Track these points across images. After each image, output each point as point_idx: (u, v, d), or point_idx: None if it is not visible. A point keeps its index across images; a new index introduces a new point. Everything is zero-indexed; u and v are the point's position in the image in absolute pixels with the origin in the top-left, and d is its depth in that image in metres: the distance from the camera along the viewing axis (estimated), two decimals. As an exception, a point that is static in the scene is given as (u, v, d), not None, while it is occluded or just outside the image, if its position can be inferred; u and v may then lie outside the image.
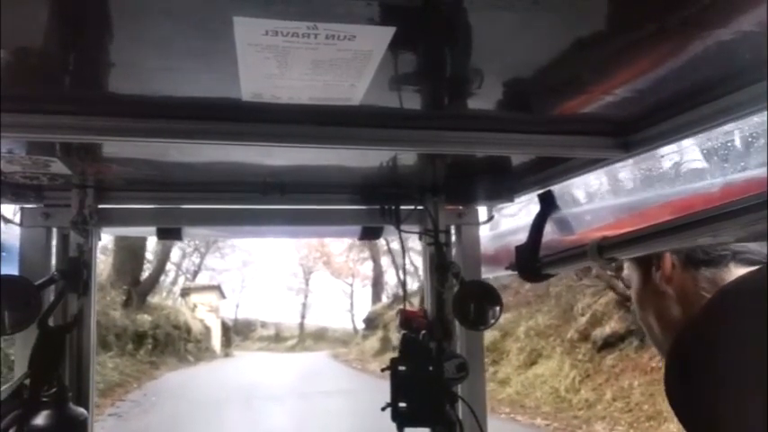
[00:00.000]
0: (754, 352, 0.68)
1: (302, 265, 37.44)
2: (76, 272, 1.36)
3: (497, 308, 1.42)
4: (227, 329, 30.16)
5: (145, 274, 19.00)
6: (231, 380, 15.37)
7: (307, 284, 39.26)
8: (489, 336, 11.36)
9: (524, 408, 9.28)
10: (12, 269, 1.36)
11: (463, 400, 1.49)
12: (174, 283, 29.34)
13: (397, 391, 1.44)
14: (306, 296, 39.65)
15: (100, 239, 1.48)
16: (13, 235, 1.41)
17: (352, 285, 35.57)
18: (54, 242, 1.43)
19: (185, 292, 28.06)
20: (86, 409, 1.34)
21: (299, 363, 21.89)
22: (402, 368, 1.45)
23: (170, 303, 22.72)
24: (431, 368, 1.44)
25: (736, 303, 0.77)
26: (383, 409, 1.44)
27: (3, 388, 1.21)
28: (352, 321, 33.42)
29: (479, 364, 1.55)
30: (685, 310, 0.90)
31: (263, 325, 42.12)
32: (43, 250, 1.40)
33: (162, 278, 25.53)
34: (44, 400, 1.24)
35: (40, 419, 1.21)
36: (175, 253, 28.21)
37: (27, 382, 1.23)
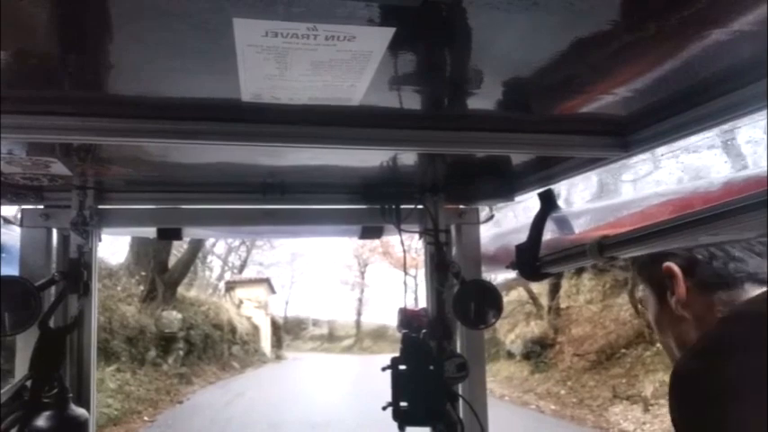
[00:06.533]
0: (759, 373, 0.66)
1: (357, 256, 32.42)
2: (77, 273, 1.36)
3: (497, 307, 1.42)
4: (277, 328, 26.61)
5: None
6: (288, 401, 10.90)
7: (362, 278, 34.47)
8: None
9: None
10: (12, 270, 1.36)
11: (464, 400, 1.49)
12: (219, 278, 25.96)
13: (398, 390, 1.44)
14: (362, 291, 34.97)
15: (100, 240, 1.48)
16: (13, 236, 1.41)
17: (415, 278, 31.55)
18: (54, 243, 1.43)
19: (230, 287, 24.50)
20: (87, 410, 1.34)
21: (368, 370, 14.32)
22: (403, 367, 1.45)
23: (214, 299, 18.86)
24: (431, 367, 1.44)
25: (742, 324, 0.75)
26: (384, 408, 1.44)
27: (4, 390, 1.21)
28: (417, 318, 30.68)
29: (480, 363, 1.55)
30: None
31: (315, 323, 37.97)
32: (43, 251, 1.40)
33: (206, 274, 22.46)
34: (45, 401, 1.24)
35: (41, 421, 1.21)
36: (220, 246, 25.28)
37: (28, 383, 1.23)
